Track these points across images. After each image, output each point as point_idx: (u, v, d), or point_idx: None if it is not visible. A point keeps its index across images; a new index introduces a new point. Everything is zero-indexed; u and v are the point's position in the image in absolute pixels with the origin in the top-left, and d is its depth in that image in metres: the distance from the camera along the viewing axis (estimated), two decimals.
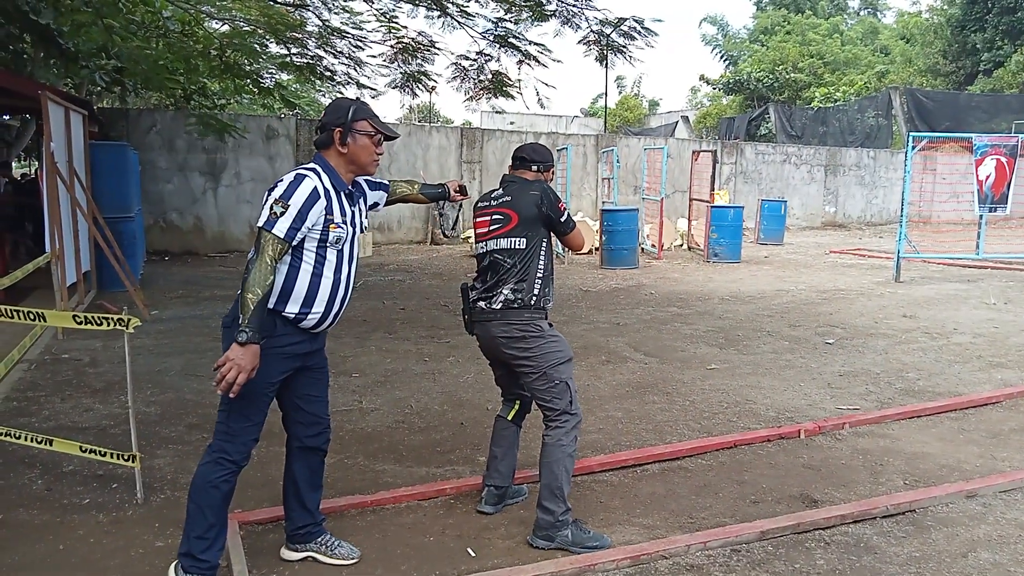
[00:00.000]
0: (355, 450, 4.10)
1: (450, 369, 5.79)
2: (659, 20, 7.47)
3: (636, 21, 8.26)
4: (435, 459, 3.99)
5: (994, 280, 10.31)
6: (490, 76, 9.08)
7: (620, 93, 44.83)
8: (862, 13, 38.78)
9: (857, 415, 4.56)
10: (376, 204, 3.02)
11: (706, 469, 3.85)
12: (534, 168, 3.27)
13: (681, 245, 15.12)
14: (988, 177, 10.05)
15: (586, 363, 5.93)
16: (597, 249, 12.65)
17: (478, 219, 3.24)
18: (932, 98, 24.48)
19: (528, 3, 7.90)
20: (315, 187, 2.54)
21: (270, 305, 2.50)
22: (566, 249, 11.75)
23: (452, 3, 8.95)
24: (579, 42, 8.56)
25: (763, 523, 3.12)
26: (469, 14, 8.95)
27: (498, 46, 8.76)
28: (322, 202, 2.55)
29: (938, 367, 5.71)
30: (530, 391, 3.17)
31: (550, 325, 3.18)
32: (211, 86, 15.85)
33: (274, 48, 11.19)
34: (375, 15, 10.16)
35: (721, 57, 38.48)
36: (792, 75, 30.29)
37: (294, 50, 10.11)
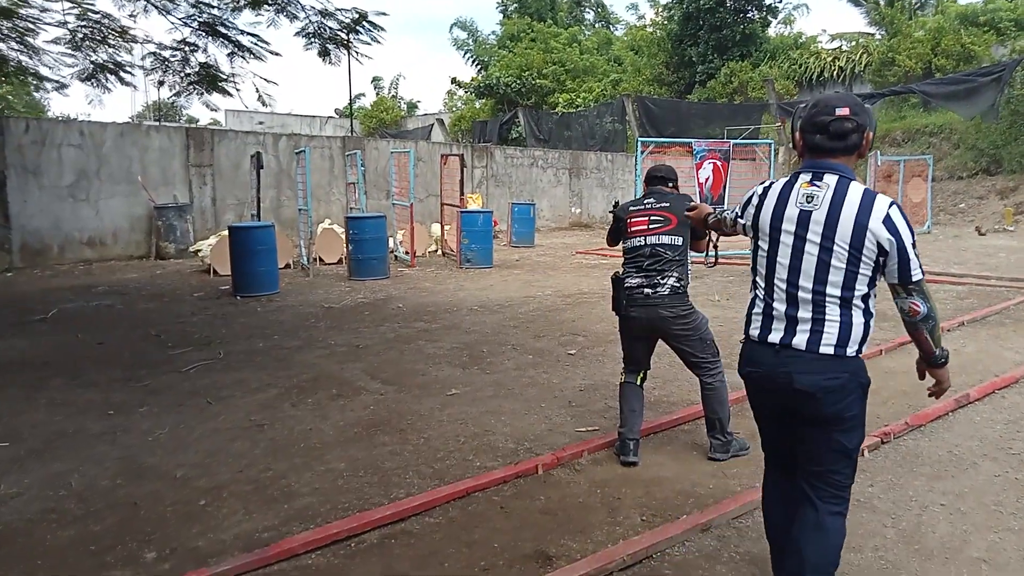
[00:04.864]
0: None
1: (139, 423, 4.74)
2: (383, 13, 6.96)
3: (359, 13, 7.61)
4: (84, 564, 3.04)
5: (718, 276, 11.08)
6: (196, 69, 7.92)
7: (377, 94, 43.93)
8: (597, 25, 41.51)
9: (595, 439, 4.30)
10: None
11: (433, 530, 3.31)
12: (670, 184, 4.21)
13: (436, 251, 14.78)
14: (707, 180, 10.81)
15: (312, 400, 5.19)
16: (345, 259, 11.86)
17: (634, 218, 4.08)
18: (659, 105, 26.68)
19: None
20: None
21: (852, 352, 2.34)
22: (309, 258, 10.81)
23: None
24: (296, 34, 7.74)
25: None
26: None
27: (205, 35, 7.65)
28: None
29: (671, 373, 5.69)
30: (687, 351, 4.04)
31: None
32: None
33: None
34: None
35: (473, 62, 39.13)
36: (538, 80, 31.50)
37: None
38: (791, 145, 2.46)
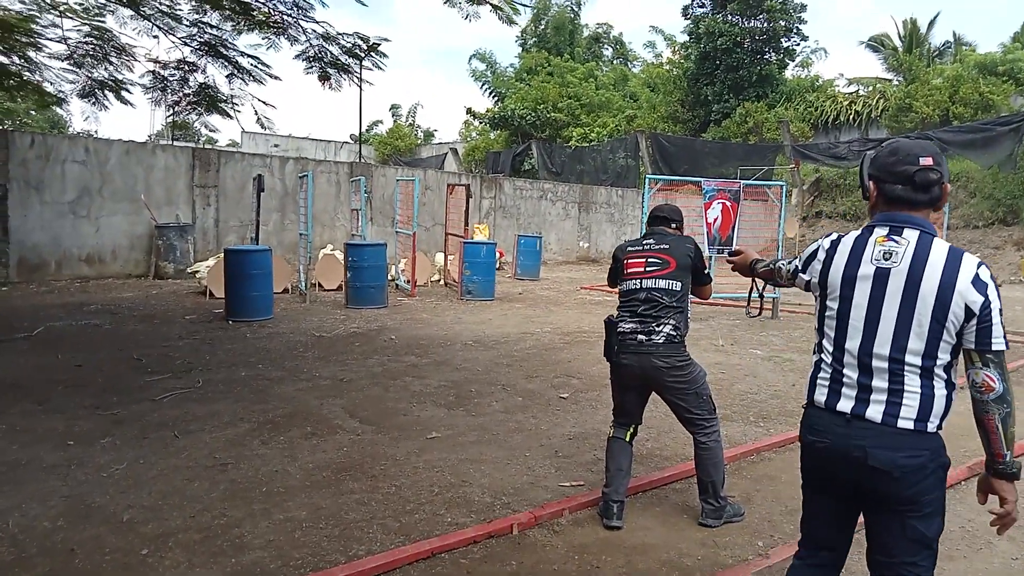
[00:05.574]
0: None
1: (98, 456, 4.47)
2: (386, 39, 6.87)
3: (362, 39, 7.48)
4: None
5: (723, 319, 10.79)
6: (195, 88, 7.81)
7: (395, 121, 44.13)
8: (615, 61, 41.67)
9: (578, 496, 4.00)
10: None
11: None
12: (673, 225, 3.98)
13: (439, 280, 14.56)
14: (716, 220, 10.55)
15: (284, 438, 4.91)
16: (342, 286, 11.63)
17: (631, 259, 3.85)
18: (673, 142, 26.55)
19: (236, 9, 6.79)
20: None
21: (933, 428, 2.09)
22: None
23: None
24: (296, 57, 7.63)
25: None
26: (176, 17, 7.62)
27: (204, 54, 7.52)
28: None
29: (666, 424, 5.34)
30: (682, 406, 3.74)
31: None
32: None
33: None
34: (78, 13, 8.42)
35: (490, 93, 39.29)
36: (552, 114, 31.51)
37: None
38: (861, 195, 2.14)
